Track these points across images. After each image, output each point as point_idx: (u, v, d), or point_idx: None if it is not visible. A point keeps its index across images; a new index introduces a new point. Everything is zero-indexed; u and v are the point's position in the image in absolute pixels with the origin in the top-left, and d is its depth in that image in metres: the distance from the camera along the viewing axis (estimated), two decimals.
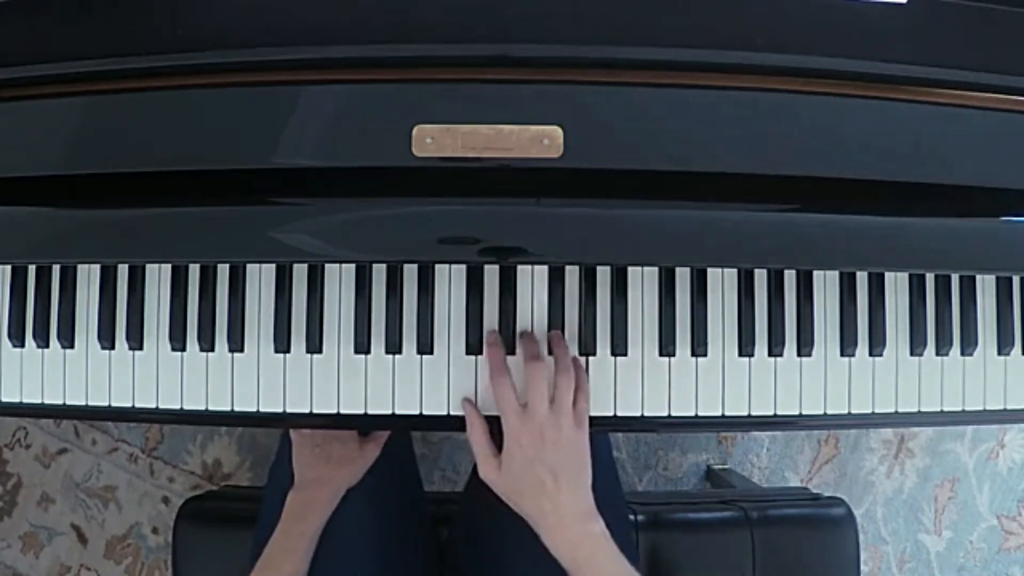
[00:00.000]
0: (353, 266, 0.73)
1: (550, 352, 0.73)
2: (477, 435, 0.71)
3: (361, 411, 0.74)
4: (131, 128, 0.65)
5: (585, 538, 0.68)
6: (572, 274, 0.74)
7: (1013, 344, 0.76)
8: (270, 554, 0.77)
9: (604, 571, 0.67)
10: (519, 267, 0.74)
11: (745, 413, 0.74)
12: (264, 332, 0.74)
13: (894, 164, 0.66)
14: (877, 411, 0.75)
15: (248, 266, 0.74)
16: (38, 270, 0.75)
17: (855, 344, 0.75)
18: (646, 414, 0.74)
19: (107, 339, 0.74)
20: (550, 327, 0.73)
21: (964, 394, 0.76)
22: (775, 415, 0.74)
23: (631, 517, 0.96)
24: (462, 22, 0.63)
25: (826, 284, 0.75)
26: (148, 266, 0.74)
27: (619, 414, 0.74)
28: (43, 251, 0.69)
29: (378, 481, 0.83)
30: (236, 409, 0.74)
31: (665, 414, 0.74)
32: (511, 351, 0.73)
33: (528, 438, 0.68)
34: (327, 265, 0.73)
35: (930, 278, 0.76)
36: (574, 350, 0.74)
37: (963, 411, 0.76)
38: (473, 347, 0.73)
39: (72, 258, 0.72)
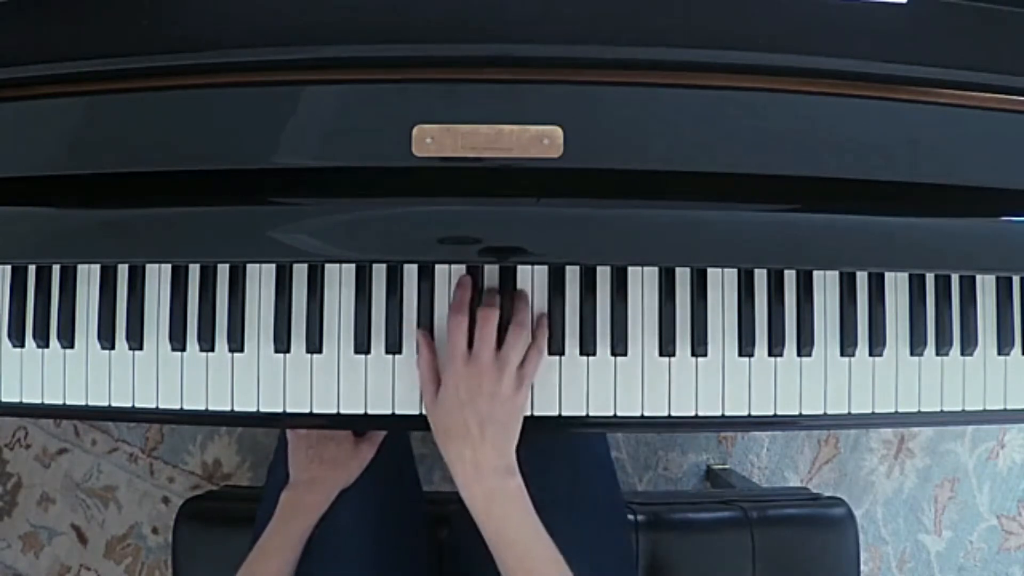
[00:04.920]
0: (353, 266, 0.73)
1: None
2: (424, 363, 0.71)
3: (361, 411, 0.74)
4: (131, 128, 0.65)
5: (501, 492, 0.68)
6: (572, 274, 0.74)
7: (1013, 344, 0.76)
8: (257, 553, 0.77)
9: (514, 525, 0.67)
10: (519, 267, 0.74)
11: (745, 413, 0.74)
12: (264, 332, 0.74)
13: (894, 164, 0.65)
14: (877, 411, 0.75)
15: (248, 266, 0.74)
16: (38, 270, 0.75)
17: (855, 344, 0.74)
18: (646, 414, 0.74)
19: (107, 339, 0.74)
20: (550, 327, 0.73)
21: (964, 394, 0.76)
22: (775, 415, 0.74)
23: (631, 517, 0.96)
24: (462, 22, 0.63)
25: (826, 284, 0.75)
26: (148, 266, 0.74)
27: (619, 414, 0.74)
28: (43, 251, 0.69)
29: (377, 481, 0.83)
30: (236, 409, 0.74)
31: (665, 414, 0.74)
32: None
33: (465, 383, 0.67)
34: (327, 265, 0.73)
35: (930, 278, 0.75)
36: (574, 350, 0.74)
37: (963, 411, 0.76)
38: None
39: (72, 258, 0.71)
